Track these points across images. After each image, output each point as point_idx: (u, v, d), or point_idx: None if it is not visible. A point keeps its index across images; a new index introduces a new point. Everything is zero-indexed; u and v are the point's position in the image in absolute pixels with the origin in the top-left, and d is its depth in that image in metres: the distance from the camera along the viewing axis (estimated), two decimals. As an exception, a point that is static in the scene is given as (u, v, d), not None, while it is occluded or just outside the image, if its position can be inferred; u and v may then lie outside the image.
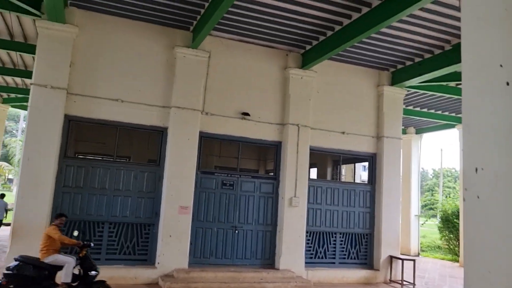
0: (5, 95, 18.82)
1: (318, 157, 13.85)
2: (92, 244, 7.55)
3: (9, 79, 15.90)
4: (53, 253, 7.07)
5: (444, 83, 12.46)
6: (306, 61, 11.05)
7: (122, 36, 9.85)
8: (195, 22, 9.87)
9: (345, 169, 16.71)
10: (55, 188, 9.07)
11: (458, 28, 9.33)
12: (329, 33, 9.98)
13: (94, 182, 9.45)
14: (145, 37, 10.02)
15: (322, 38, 10.30)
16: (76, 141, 10.63)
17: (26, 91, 15.81)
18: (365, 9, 8.73)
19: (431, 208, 30.88)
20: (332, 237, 11.53)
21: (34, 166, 8.70)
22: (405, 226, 17.21)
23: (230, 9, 8.97)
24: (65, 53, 9.19)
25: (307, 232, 11.01)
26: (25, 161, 8.68)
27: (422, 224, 21.24)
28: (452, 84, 12.70)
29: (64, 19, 9.08)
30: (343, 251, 11.62)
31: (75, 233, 7.92)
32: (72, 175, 9.30)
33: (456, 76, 11.41)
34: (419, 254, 18.20)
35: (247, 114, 10.67)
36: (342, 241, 11.62)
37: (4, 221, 14.41)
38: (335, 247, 11.54)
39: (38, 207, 8.67)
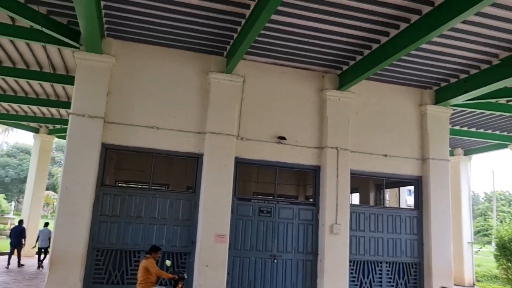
0: (50, 126, 19.55)
1: (359, 182, 13.28)
2: (186, 276, 7.51)
3: (53, 110, 16.48)
4: (151, 286, 7.00)
5: (493, 100, 11.70)
6: (343, 82, 10.70)
7: (157, 63, 9.92)
8: (228, 47, 9.82)
9: (389, 194, 15.94)
10: (92, 217, 9.06)
11: (508, 41, 8.73)
12: (366, 52, 9.63)
13: (130, 210, 9.38)
14: (179, 64, 10.05)
15: (359, 57, 9.96)
16: (115, 169, 10.69)
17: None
18: (403, 25, 8.34)
19: (485, 235, 28.95)
20: (378, 266, 10.83)
21: (72, 195, 8.75)
22: (458, 254, 16.02)
23: (263, 32, 8.89)
24: (102, 83, 9.34)
25: (350, 261, 10.40)
26: (63, 190, 8.74)
27: (476, 252, 19.77)
28: (503, 101, 11.90)
29: (101, 50, 9.26)
30: (390, 281, 10.86)
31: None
32: (109, 204, 9.27)
33: (507, 92, 10.67)
34: (474, 284, 16.87)
35: (283, 138, 10.38)
36: (388, 270, 10.89)
37: (49, 250, 14.68)
38: (381, 277, 10.81)
39: (75, 236, 8.65)
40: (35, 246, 15.76)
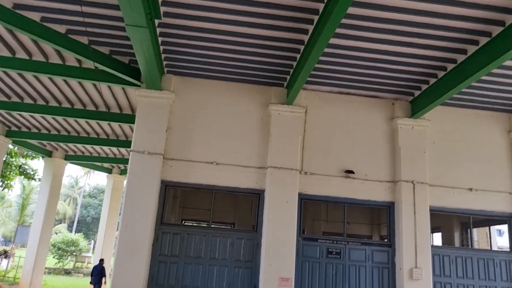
0: (122, 166, 20.25)
1: (441, 220, 11.86)
2: None
3: (123, 151, 17.02)
4: None
5: None
6: (416, 109, 9.73)
7: (217, 97, 9.72)
8: (288, 77, 9.39)
9: (477, 234, 14.12)
10: (152, 256, 8.75)
11: None
12: (441, 74, 8.71)
13: (190, 250, 8.95)
14: (239, 97, 9.77)
15: (433, 80, 9.03)
16: (176, 207, 10.44)
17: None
18: (483, 40, 7.38)
19: None
20: (469, 319, 9.30)
21: (131, 233, 8.53)
22: None
23: (324, 58, 8.40)
24: (162, 119, 9.26)
25: (435, 312, 9.03)
26: (123, 228, 8.55)
27: None
28: None
29: (160, 86, 9.26)
30: (485, 338, 9.25)
31: None
32: (168, 243, 8.93)
33: None
34: None
35: (351, 172, 9.54)
36: (483, 324, 9.30)
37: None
38: (474, 333, 9.24)
39: (134, 275, 8.35)
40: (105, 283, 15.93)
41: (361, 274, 9.20)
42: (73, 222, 56.78)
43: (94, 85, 10.50)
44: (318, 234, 9.57)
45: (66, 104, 12.08)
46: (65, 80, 10.38)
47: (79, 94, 11.35)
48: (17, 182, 40.69)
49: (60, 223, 52.60)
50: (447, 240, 12.48)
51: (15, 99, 11.93)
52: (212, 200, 9.31)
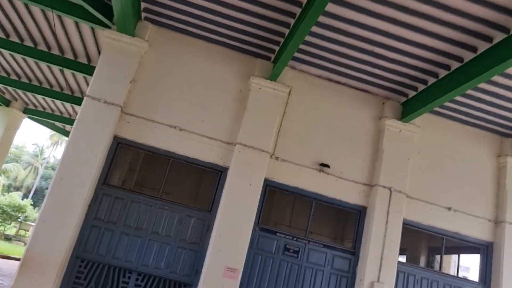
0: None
1: (408, 240, 11.01)
2: None
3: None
4: None
5: None
6: (407, 112, 8.92)
7: (194, 58, 8.68)
8: (277, 51, 8.45)
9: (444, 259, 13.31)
10: (85, 218, 7.57)
11: None
12: (434, 80, 8.04)
13: (131, 219, 7.81)
14: (218, 62, 8.75)
15: (429, 83, 8.27)
16: (123, 168, 9.24)
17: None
18: (485, 45, 6.67)
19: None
20: None
21: (66, 187, 7.35)
22: None
23: (318, 42, 7.76)
24: (128, 68, 8.16)
25: (390, 335, 8.10)
26: (57, 180, 7.36)
27: None
28: None
29: (133, 32, 8.17)
30: None
31: None
32: (108, 207, 7.77)
33: None
34: None
35: (326, 165, 8.61)
36: None
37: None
38: None
39: (60, 235, 7.15)
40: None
41: (317, 279, 8.23)
42: (30, 191, 54.29)
43: (63, 26, 9.34)
44: (275, 227, 8.53)
45: (28, 43, 10.80)
46: (26, 5, 9.10)
47: (43, 31, 10.10)
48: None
49: (17, 190, 50.12)
50: (412, 259, 11.62)
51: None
52: (167, 169, 8.20)
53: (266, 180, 8.27)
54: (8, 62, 12.36)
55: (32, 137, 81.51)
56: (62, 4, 8.21)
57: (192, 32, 8.62)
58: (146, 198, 7.97)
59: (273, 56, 8.69)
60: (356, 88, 9.23)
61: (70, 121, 16.92)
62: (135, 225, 7.76)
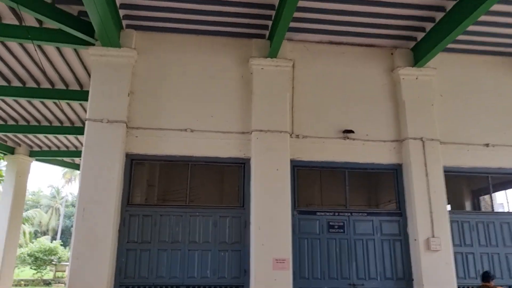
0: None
1: (449, 182, 10.53)
2: None
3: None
4: None
5: None
6: (419, 56, 8.41)
7: (187, 55, 8.24)
8: (270, 26, 7.97)
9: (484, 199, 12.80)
10: (118, 244, 7.21)
11: None
12: (441, 15, 7.47)
13: (164, 234, 7.43)
14: (213, 53, 8.30)
15: (440, 15, 7.70)
16: (150, 186, 8.86)
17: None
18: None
19: None
20: (496, 293, 7.98)
21: (91, 217, 6.98)
22: None
23: (311, 5, 7.24)
24: (123, 81, 7.74)
25: (459, 287, 7.66)
26: (79, 212, 7.00)
27: None
28: None
29: (118, 43, 7.73)
30: (516, 314, 7.95)
31: None
32: (138, 227, 7.40)
33: None
34: None
35: (350, 131, 8.15)
36: (512, 299, 8.00)
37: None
38: (503, 309, 7.92)
39: (97, 268, 6.80)
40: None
41: (370, 249, 7.81)
42: (56, 233, 54.56)
43: (47, 58, 8.96)
44: (313, 206, 8.08)
45: (16, 83, 10.43)
46: (3, 44, 8.73)
47: (28, 67, 9.71)
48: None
49: (44, 235, 50.37)
50: (458, 205, 11.13)
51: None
52: (189, 175, 7.80)
53: (291, 161, 7.84)
54: (1, 109, 12.03)
55: (46, 180, 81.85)
56: (39, 33, 7.83)
57: (179, 29, 8.17)
58: (174, 209, 7.59)
59: (267, 33, 8.21)
60: (361, 45, 8.73)
61: (78, 153, 16.60)
62: (170, 239, 7.39)
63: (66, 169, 63.61)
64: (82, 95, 10.63)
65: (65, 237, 53.49)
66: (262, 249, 7.21)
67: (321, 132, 8.18)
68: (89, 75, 9.99)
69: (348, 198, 8.11)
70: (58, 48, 8.70)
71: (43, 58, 9.09)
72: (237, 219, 7.63)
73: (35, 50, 8.13)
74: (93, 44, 7.83)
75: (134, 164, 7.69)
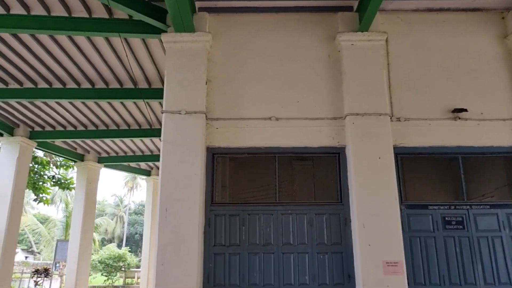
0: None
1: None
2: None
3: (159, 143, 15.05)
4: None
5: None
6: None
7: (265, 37, 7.41)
8: (359, -4, 6.98)
9: None
10: (204, 248, 6.47)
11: None
12: None
13: (254, 235, 6.60)
14: (294, 32, 7.41)
15: None
16: (232, 182, 8.06)
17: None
18: None
19: None
20: None
21: (174, 218, 6.28)
22: None
23: None
24: (199, 68, 7.03)
25: None
26: (162, 213, 6.32)
27: None
28: None
29: (193, 27, 7.04)
30: None
31: None
32: (224, 228, 6.62)
33: None
34: None
35: (463, 110, 6.92)
36: None
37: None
38: None
39: (184, 275, 6.07)
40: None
41: (497, 248, 6.52)
42: (122, 240, 56.22)
43: (116, 53, 8.53)
44: (423, 199, 6.94)
45: (86, 85, 10.13)
46: (77, 47, 8.37)
47: (98, 67, 9.34)
48: (60, 200, 40.01)
49: (110, 242, 52.00)
50: None
51: (28, 85, 10.10)
52: (276, 168, 6.93)
53: (394, 148, 6.74)
54: (71, 113, 11.86)
55: (110, 189, 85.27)
56: (108, 24, 7.35)
57: (255, 7, 7.38)
58: (263, 208, 6.74)
59: (356, 3, 7.20)
60: (465, 10, 7.49)
61: (144, 158, 16.42)
62: (261, 241, 6.54)
63: (128, 178, 65.73)
64: (150, 93, 10.18)
65: (130, 244, 54.93)
66: (369, 250, 6.16)
67: (425, 113, 7.02)
68: (158, 71, 9.50)
69: (465, 189, 6.86)
70: (127, 42, 8.20)
71: (111, 54, 8.66)
72: (335, 217, 6.64)
73: (122, 42, 7.64)
74: (165, 31, 7.20)
75: (216, 159, 6.94)
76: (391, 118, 6.87)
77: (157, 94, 9.94)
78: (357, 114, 6.75)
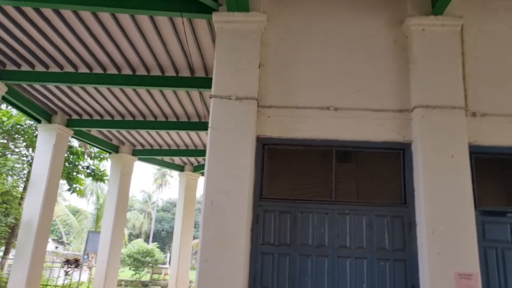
0: (195, 162, 17.96)
1: None
2: None
3: (196, 138, 14.65)
4: None
5: None
6: None
7: (324, 20, 6.77)
8: (434, -26, 6.24)
9: None
10: (251, 247, 5.87)
11: None
12: None
13: (307, 236, 5.96)
14: (357, 15, 6.75)
15: None
16: (275, 174, 7.43)
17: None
18: None
19: None
20: None
21: (220, 212, 5.73)
22: None
23: None
24: (252, 51, 6.45)
25: None
26: (207, 206, 5.77)
27: None
28: None
29: (247, 6, 6.48)
30: None
31: None
32: (274, 226, 6.01)
33: None
34: None
35: (549, 106, 6.09)
36: None
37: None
38: None
39: (229, 274, 5.50)
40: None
41: None
42: (148, 236, 56.62)
43: (160, 36, 8.10)
44: (502, 204, 6.10)
45: (127, 71, 9.76)
46: (120, 27, 7.98)
47: (141, 51, 8.93)
48: (91, 193, 40.47)
49: (137, 237, 52.45)
50: None
51: (68, 69, 9.81)
52: (333, 163, 6.27)
53: (470, 146, 5.97)
54: (109, 101, 11.55)
55: (138, 185, 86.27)
56: (151, 3, 6.89)
57: (315, -13, 6.76)
58: (317, 206, 6.08)
59: (428, -16, 6.48)
60: (553, -5, 6.64)
61: (177, 153, 16.06)
62: (314, 242, 5.90)
63: (158, 175, 66.24)
64: (192, 82, 9.71)
65: (156, 240, 55.21)
66: (439, 259, 5.42)
67: (506, 108, 6.21)
68: (202, 57, 9.01)
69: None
70: (172, 23, 7.73)
71: (155, 36, 8.23)
72: (398, 220, 5.92)
73: (183, 23, 7.19)
74: (217, 10, 6.68)
75: (266, 150, 6.34)
76: (465, 113, 6.10)
77: (201, 83, 9.51)
78: (427, 106, 6.02)
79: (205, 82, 9.32)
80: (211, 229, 5.68)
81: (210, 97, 6.30)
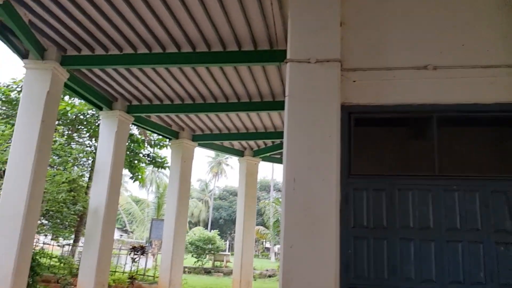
0: (255, 146, 17.40)
1: None
2: None
3: (257, 121, 14.04)
4: None
5: None
6: None
7: (416, -35, 5.79)
8: None
9: None
10: (340, 231, 5.12)
11: None
12: None
13: (407, 216, 5.10)
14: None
15: None
16: (364, 148, 6.55)
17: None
18: None
19: None
20: None
21: (304, 191, 5.01)
22: None
23: None
24: (331, 7, 5.63)
25: None
26: (289, 185, 5.07)
27: None
28: None
29: (324, -45, 5.64)
30: None
31: None
32: (366, 206, 5.21)
33: None
34: None
35: None
36: None
37: None
38: None
39: (318, 263, 4.79)
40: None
41: None
42: (207, 224, 57.53)
43: (223, 9, 7.47)
44: None
45: (187, 48, 9.23)
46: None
47: (202, 26, 8.35)
48: (151, 183, 41.45)
49: (196, 225, 53.43)
50: None
51: (128, 50, 9.44)
52: (435, 131, 5.33)
53: None
54: (168, 83, 11.14)
55: (195, 174, 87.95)
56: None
57: None
58: (418, 181, 5.20)
59: None
60: None
61: (237, 136, 15.54)
62: (417, 224, 5.03)
63: (213, 164, 66.94)
64: (254, 56, 9.03)
65: (214, 227, 55.94)
66: None
67: None
68: (267, 27, 8.27)
69: None
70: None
71: (218, 8, 7.59)
72: (519, 196, 4.92)
73: None
74: (288, -35, 5.90)
75: (353, 119, 5.52)
76: None
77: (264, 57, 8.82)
78: (552, 57, 4.92)
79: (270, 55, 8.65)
80: (294, 210, 4.99)
81: (286, 62, 5.55)
